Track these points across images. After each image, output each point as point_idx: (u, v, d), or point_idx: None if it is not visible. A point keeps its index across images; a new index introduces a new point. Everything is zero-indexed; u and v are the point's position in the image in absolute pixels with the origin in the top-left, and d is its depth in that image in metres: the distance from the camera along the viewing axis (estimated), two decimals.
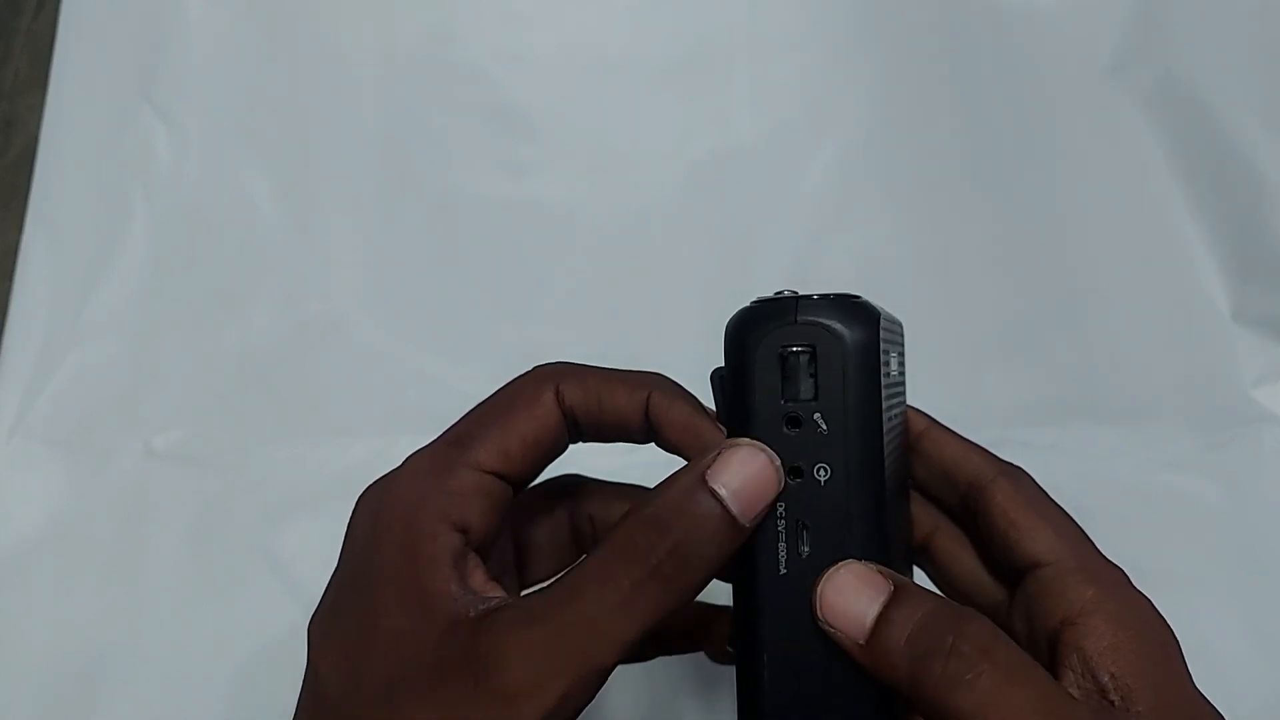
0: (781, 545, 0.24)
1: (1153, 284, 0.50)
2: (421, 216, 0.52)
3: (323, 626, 0.25)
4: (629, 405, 0.27)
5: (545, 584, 0.24)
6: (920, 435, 0.30)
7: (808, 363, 0.24)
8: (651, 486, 0.31)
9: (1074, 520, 0.27)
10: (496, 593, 0.24)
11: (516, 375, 0.28)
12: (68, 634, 0.43)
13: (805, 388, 0.24)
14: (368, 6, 0.54)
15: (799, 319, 0.24)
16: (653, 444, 0.28)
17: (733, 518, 0.23)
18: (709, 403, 0.26)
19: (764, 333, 0.24)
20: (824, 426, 0.24)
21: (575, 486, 0.31)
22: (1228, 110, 0.50)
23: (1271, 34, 0.51)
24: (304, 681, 0.25)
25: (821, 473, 0.24)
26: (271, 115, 0.53)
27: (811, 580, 0.23)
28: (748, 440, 0.24)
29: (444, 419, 0.28)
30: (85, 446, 0.47)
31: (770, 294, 0.25)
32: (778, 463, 0.23)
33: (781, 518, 0.24)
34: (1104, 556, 0.27)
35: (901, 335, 0.30)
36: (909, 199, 0.52)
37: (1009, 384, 0.49)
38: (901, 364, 0.29)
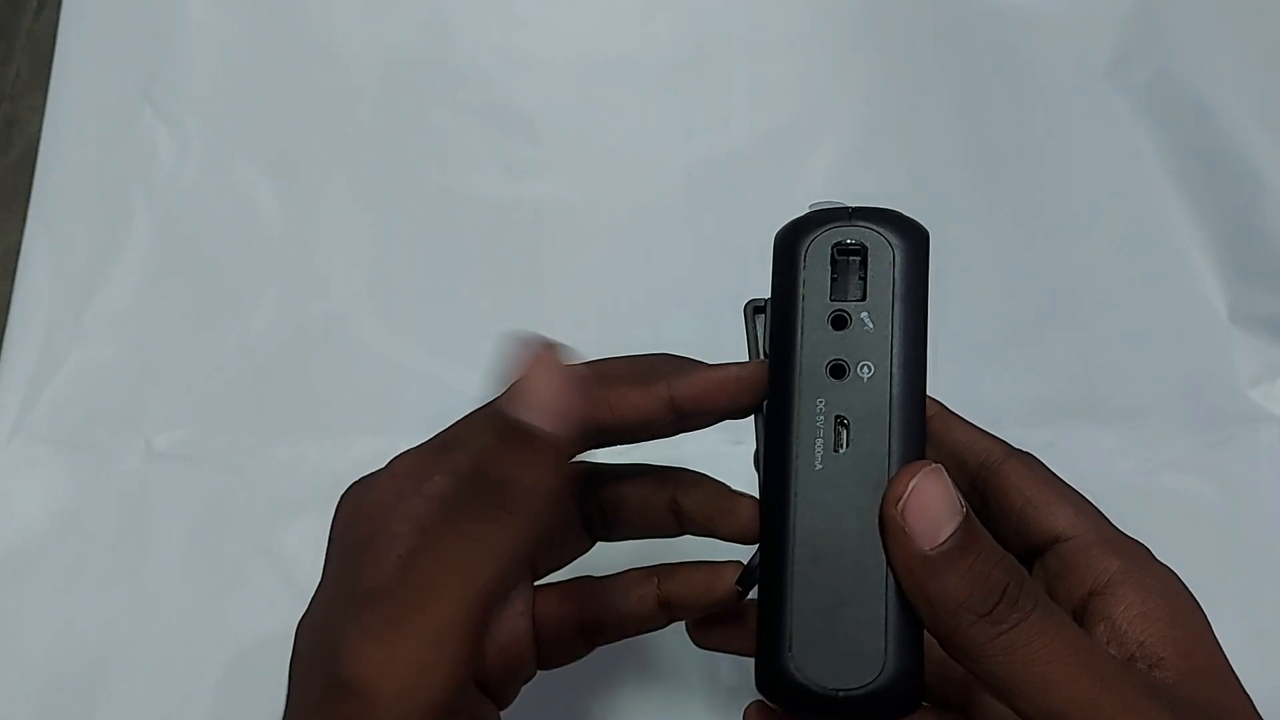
0: (819, 441, 0.24)
1: (1150, 284, 0.51)
2: (421, 216, 0.52)
3: (300, 629, 0.25)
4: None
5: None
6: (929, 420, 0.30)
7: (859, 264, 0.25)
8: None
9: (1088, 500, 0.28)
10: None
11: None
12: (68, 634, 0.43)
13: (854, 288, 0.24)
14: (368, 7, 0.54)
15: (853, 221, 0.25)
16: (653, 440, 0.28)
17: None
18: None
19: (818, 232, 0.25)
20: (870, 325, 0.24)
21: (581, 473, 0.31)
22: (1226, 110, 0.50)
23: (1271, 34, 0.51)
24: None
25: (865, 370, 0.24)
26: (272, 115, 0.53)
27: (848, 477, 0.23)
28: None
29: (443, 419, 0.28)
30: (87, 446, 0.47)
31: (824, 201, 0.26)
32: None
33: (822, 414, 0.24)
34: (1123, 532, 0.27)
35: None
36: (908, 199, 0.52)
37: (1007, 384, 0.49)
38: None
